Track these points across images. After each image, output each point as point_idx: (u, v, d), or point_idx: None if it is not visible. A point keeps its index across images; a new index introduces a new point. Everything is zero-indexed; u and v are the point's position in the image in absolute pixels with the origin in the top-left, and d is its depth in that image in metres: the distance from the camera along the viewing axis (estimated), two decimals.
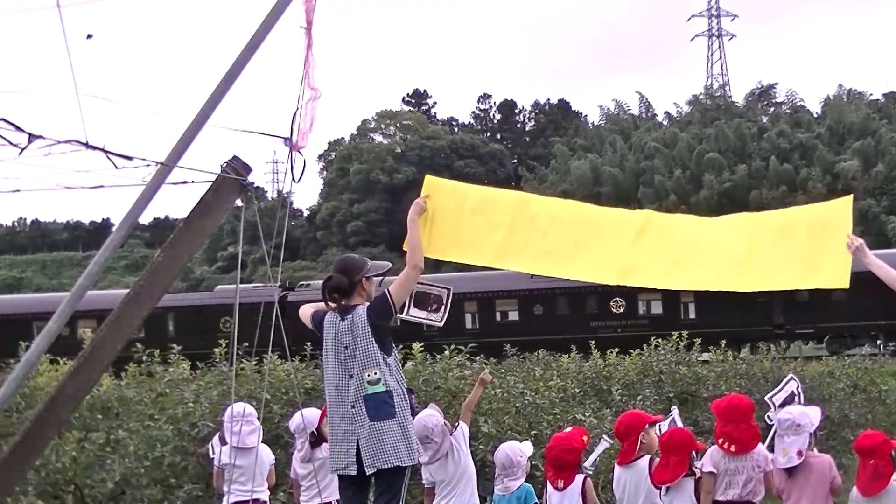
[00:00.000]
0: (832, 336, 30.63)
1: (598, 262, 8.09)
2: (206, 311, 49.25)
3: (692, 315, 46.89)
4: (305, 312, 8.54)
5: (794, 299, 46.00)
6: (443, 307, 9.13)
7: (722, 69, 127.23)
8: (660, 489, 9.21)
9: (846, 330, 35.13)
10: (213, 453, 10.98)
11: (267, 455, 10.83)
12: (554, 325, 46.29)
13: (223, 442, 10.72)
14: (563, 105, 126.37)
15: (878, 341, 40.52)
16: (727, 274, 7.89)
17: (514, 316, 49.15)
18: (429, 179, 8.51)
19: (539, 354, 23.23)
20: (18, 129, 4.75)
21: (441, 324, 9.16)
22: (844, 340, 44.88)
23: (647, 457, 9.34)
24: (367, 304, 8.13)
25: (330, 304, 8.18)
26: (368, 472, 7.91)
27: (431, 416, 9.76)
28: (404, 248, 8.18)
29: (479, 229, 8.20)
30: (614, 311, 49.31)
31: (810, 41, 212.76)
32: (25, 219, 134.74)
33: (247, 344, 9.35)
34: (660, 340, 22.66)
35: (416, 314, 9.14)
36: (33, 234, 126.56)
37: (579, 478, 9.46)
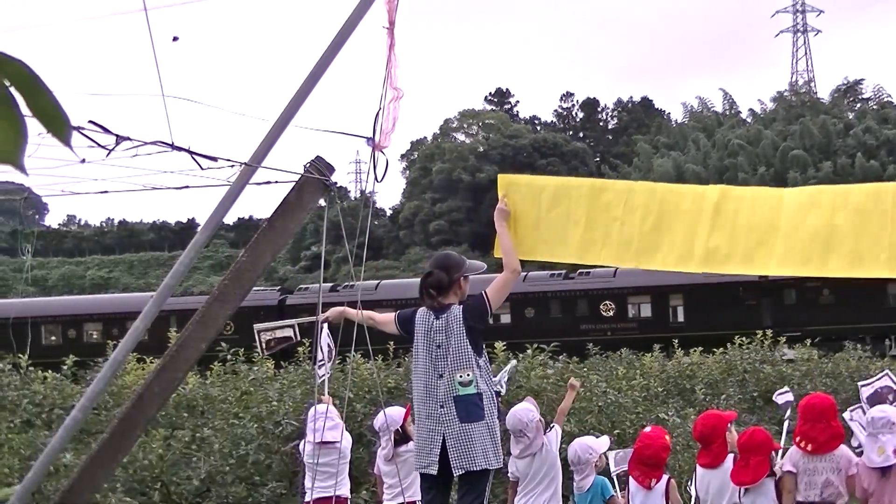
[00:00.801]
0: (821, 339, 30.80)
1: (679, 248, 7.94)
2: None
3: (681, 318, 47.53)
4: (385, 318, 8.52)
5: (783, 301, 47.01)
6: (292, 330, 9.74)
7: (807, 65, 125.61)
8: (739, 489, 9.13)
9: (833, 332, 35.27)
10: (301, 453, 11.06)
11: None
12: (545, 327, 46.22)
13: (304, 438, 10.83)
14: (646, 103, 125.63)
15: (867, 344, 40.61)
16: (813, 256, 7.64)
17: (505, 318, 49.18)
18: (503, 178, 8.45)
19: (621, 353, 23.12)
20: (106, 130, 4.80)
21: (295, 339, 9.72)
22: (832, 344, 45.01)
23: (731, 456, 9.25)
24: (463, 304, 8.10)
25: (425, 299, 8.16)
26: (456, 473, 7.89)
27: (529, 410, 9.77)
28: (497, 255, 8.14)
29: (558, 225, 8.11)
30: (604, 314, 49.92)
31: None
32: (113, 219, 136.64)
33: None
34: (743, 339, 22.47)
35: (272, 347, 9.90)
36: (121, 234, 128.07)
37: (665, 478, 9.41)
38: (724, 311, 45.13)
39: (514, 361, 10.84)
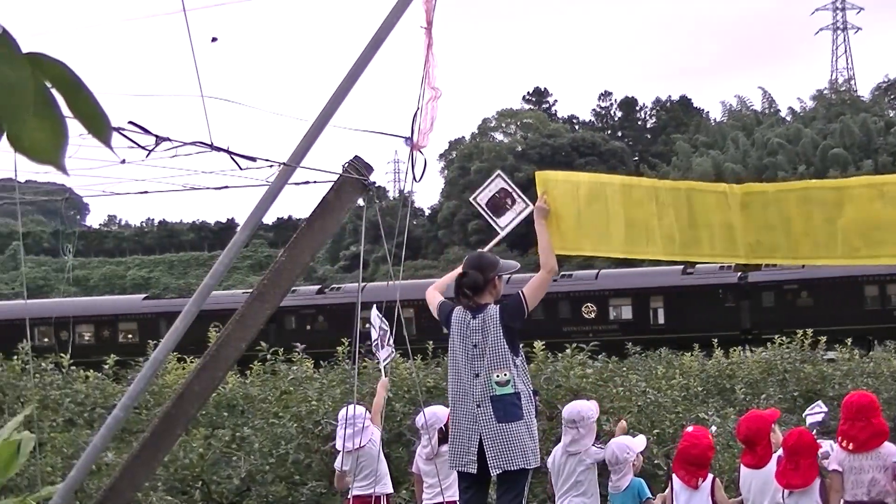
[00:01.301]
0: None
1: (721, 242, 7.92)
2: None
3: (661, 320, 47.67)
4: (433, 298, 8.53)
5: (761, 304, 47.44)
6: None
7: (847, 63, 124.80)
8: (783, 490, 9.07)
9: (813, 335, 35.58)
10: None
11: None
12: (528, 328, 46.15)
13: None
14: (685, 102, 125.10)
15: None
16: (861, 247, 7.61)
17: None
18: (540, 175, 8.42)
19: (661, 353, 23.05)
20: (146, 131, 4.83)
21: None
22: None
23: (776, 456, 9.20)
24: (500, 303, 8.10)
25: (461, 299, 8.16)
26: (494, 472, 7.89)
27: (591, 408, 9.77)
28: (538, 253, 8.14)
29: (599, 220, 8.09)
30: (586, 315, 50.25)
31: None
32: (153, 219, 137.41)
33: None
34: (783, 339, 22.37)
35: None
36: (161, 234, 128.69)
37: (710, 477, 9.37)
38: (704, 312, 45.59)
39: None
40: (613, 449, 9.72)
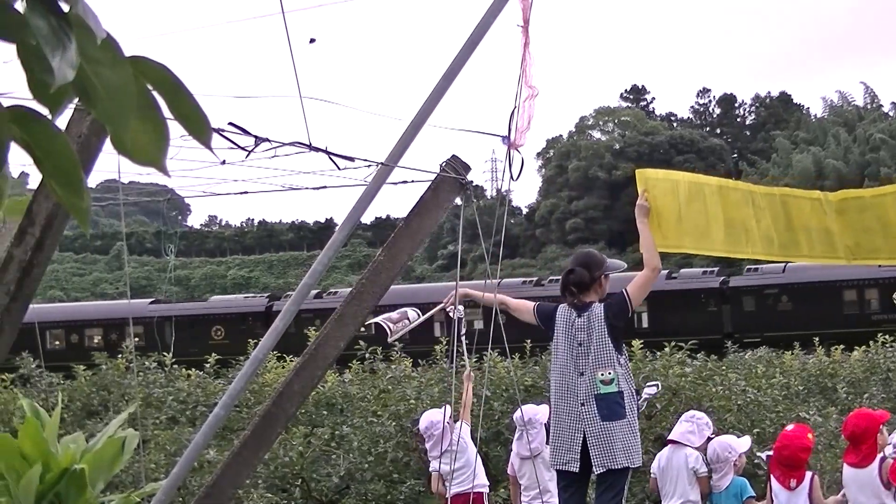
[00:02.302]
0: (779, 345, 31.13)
1: (820, 245, 7.90)
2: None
3: (644, 324, 47.22)
4: (521, 305, 8.54)
5: (742, 308, 48.08)
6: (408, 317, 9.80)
7: None
8: (891, 488, 8.95)
9: (793, 339, 35.54)
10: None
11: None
12: (517, 332, 46.05)
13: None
14: (785, 98, 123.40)
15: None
16: None
17: (478, 325, 49.28)
18: (640, 173, 8.39)
19: (760, 351, 22.81)
20: (245, 132, 4.88)
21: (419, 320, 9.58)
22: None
23: (880, 456, 9.07)
24: (605, 302, 8.08)
25: (566, 297, 8.15)
26: (597, 471, 7.87)
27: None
28: (641, 251, 8.11)
29: (699, 219, 8.05)
30: None
31: None
32: (253, 219, 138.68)
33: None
34: (886, 337, 22.06)
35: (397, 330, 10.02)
36: (260, 234, 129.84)
37: (808, 476, 9.26)
38: (687, 316, 46.07)
39: (657, 383, 10.63)
40: (715, 447, 9.69)
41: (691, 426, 9.75)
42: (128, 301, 57.11)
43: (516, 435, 10.80)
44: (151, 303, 57.53)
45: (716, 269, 50.78)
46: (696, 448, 9.69)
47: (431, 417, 10.82)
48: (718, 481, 9.63)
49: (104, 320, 53.99)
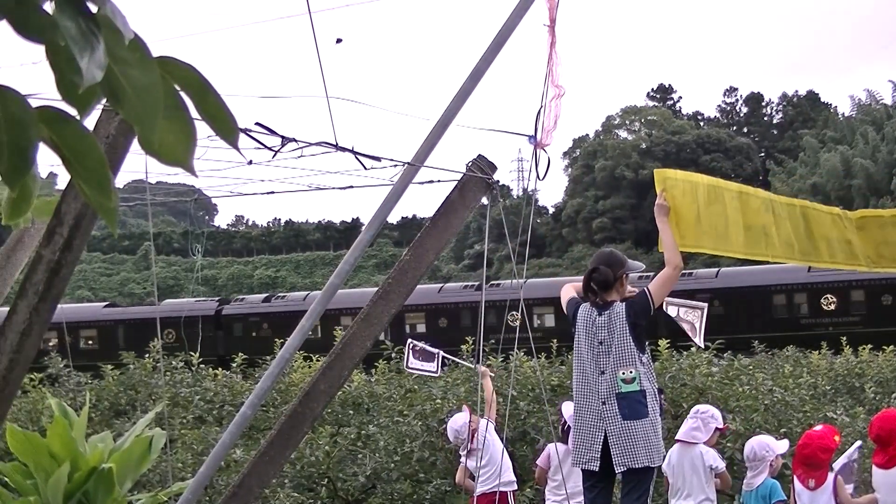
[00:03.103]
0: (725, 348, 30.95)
1: (841, 252, 7.93)
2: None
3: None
4: (566, 293, 8.52)
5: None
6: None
7: None
8: None
9: (726, 343, 35.60)
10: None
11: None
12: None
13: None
14: (812, 96, 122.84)
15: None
16: None
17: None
18: (659, 173, 8.38)
19: (787, 351, 22.72)
20: (272, 132, 4.89)
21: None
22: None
23: None
24: (627, 301, 8.08)
25: (589, 295, 8.15)
26: (618, 470, 7.87)
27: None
28: (661, 251, 8.10)
29: (718, 221, 8.04)
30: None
31: None
32: (280, 219, 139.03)
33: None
34: None
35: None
36: (287, 234, 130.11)
37: (831, 476, 9.22)
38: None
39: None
40: (753, 446, 9.68)
41: (696, 422, 9.75)
42: (154, 303, 57.46)
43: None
44: (106, 306, 58.37)
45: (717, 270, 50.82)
46: (705, 442, 9.70)
47: (454, 426, 10.96)
48: (752, 479, 9.61)
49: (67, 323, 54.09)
